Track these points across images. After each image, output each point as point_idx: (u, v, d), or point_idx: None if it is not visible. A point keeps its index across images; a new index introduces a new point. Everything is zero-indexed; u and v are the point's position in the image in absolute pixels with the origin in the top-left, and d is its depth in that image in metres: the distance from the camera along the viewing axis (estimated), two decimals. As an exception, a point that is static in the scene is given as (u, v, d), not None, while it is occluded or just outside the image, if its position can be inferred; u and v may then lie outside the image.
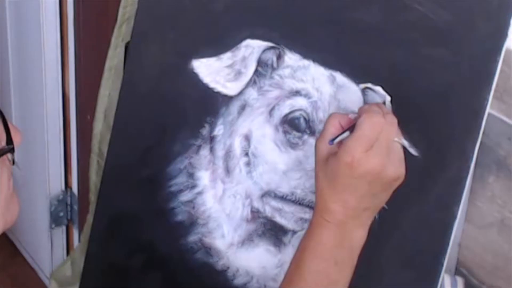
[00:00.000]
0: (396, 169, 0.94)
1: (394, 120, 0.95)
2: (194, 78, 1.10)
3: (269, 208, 1.09)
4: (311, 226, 0.97)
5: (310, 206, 1.07)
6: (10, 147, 0.87)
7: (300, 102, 1.06)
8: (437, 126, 1.01)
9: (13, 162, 0.88)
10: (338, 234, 0.95)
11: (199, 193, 1.12)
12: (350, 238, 0.96)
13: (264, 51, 1.07)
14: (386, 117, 0.94)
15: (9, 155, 0.87)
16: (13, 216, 0.91)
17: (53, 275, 1.56)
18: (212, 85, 1.09)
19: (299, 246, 0.99)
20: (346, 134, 0.95)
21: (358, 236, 0.96)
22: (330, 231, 0.95)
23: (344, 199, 0.94)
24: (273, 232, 1.10)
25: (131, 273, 1.19)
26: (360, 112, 0.96)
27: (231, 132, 1.09)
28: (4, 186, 0.88)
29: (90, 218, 1.35)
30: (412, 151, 1.02)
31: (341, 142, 0.95)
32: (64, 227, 2.24)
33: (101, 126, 1.34)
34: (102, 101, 1.32)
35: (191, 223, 1.13)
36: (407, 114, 1.02)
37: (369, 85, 1.03)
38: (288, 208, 1.08)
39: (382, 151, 0.93)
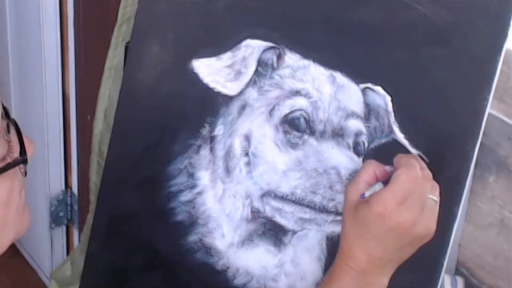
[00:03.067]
0: (427, 227, 0.93)
1: (429, 176, 0.94)
2: (194, 78, 1.10)
3: (269, 208, 1.09)
4: (333, 270, 0.96)
5: (310, 206, 1.07)
6: (23, 158, 0.86)
7: (300, 102, 1.06)
8: (437, 126, 1.01)
9: (25, 174, 0.88)
10: (360, 282, 0.94)
11: (199, 193, 1.12)
12: (371, 287, 0.95)
13: (264, 51, 1.07)
14: (422, 172, 0.93)
15: (21, 167, 0.87)
16: (24, 228, 0.91)
17: (53, 275, 1.56)
18: (212, 85, 1.09)
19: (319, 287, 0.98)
20: (379, 187, 0.94)
21: (380, 285, 0.95)
22: (352, 278, 0.94)
23: (370, 248, 0.93)
24: (273, 232, 1.10)
25: (131, 273, 1.19)
26: (397, 164, 0.95)
27: (231, 132, 1.09)
28: (16, 198, 0.87)
29: (90, 218, 1.35)
30: (412, 151, 1.02)
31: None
32: (64, 227, 2.24)
33: (101, 126, 1.34)
34: (102, 101, 1.32)
35: (191, 223, 1.13)
36: (407, 114, 1.02)
37: (369, 85, 1.03)
38: (288, 208, 1.08)
39: (415, 206, 0.92)
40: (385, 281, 0.96)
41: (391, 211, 0.91)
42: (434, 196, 0.94)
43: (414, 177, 0.92)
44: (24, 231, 0.91)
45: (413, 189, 0.92)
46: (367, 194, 0.94)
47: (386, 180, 0.94)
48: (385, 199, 0.91)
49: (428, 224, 0.93)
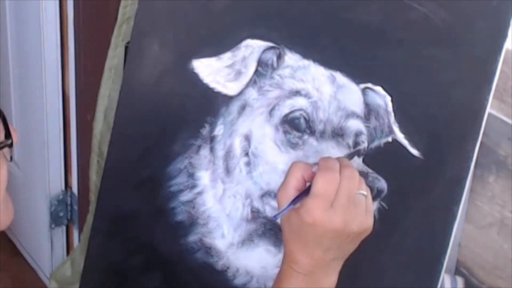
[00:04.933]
0: (361, 224, 0.93)
1: (353, 174, 0.92)
2: (194, 78, 1.10)
3: (269, 208, 1.09)
4: (280, 275, 0.97)
5: (310, 206, 1.07)
6: (9, 141, 0.86)
7: (300, 102, 1.06)
8: (437, 126, 1.02)
9: (11, 159, 0.87)
10: (307, 284, 0.95)
11: (199, 193, 1.12)
12: (320, 286, 0.95)
13: (264, 51, 1.07)
14: (345, 171, 0.92)
15: (6, 151, 0.86)
16: (10, 217, 0.90)
17: (53, 275, 1.56)
18: (212, 85, 1.09)
19: None
20: (289, 207, 0.92)
21: (327, 283, 0.96)
22: (299, 281, 0.95)
23: (310, 252, 0.93)
24: (273, 232, 1.10)
25: (131, 273, 1.19)
26: (318, 168, 0.93)
27: (231, 132, 1.09)
28: (3, 184, 0.87)
29: (90, 218, 1.35)
30: (412, 151, 1.02)
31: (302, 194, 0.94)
32: (64, 227, 2.24)
33: (101, 126, 1.34)
34: (102, 101, 1.32)
35: (191, 223, 1.13)
36: (407, 114, 1.02)
37: (369, 85, 1.03)
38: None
39: (343, 207, 0.91)
40: (334, 278, 0.96)
41: (320, 219, 0.91)
42: (362, 191, 0.93)
43: (331, 179, 0.91)
44: (10, 220, 0.90)
45: (334, 191, 0.91)
46: (277, 218, 0.93)
47: (308, 190, 0.92)
48: (311, 208, 0.91)
49: (361, 221, 0.93)
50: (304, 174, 0.94)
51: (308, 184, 0.93)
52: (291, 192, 0.94)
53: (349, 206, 0.91)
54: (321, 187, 0.91)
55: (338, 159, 0.94)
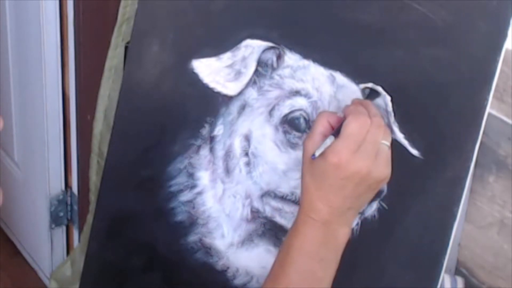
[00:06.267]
0: (382, 172, 0.95)
1: (380, 122, 0.96)
2: (194, 78, 1.10)
3: (269, 208, 1.09)
4: (296, 224, 0.98)
5: (310, 206, 1.07)
6: None
7: (300, 102, 1.06)
8: (437, 126, 1.02)
9: None
10: (324, 232, 0.96)
11: (199, 193, 1.12)
12: (335, 236, 0.97)
13: (264, 51, 1.07)
14: (373, 120, 0.95)
15: None
16: None
17: (53, 275, 1.56)
18: (212, 85, 1.09)
19: (283, 245, 1.00)
20: (330, 141, 0.95)
21: (342, 233, 0.97)
22: (316, 229, 0.96)
23: (329, 198, 0.95)
24: (273, 232, 1.10)
25: (131, 273, 1.19)
26: (345, 112, 0.96)
27: (231, 132, 1.09)
28: None
29: (90, 218, 1.35)
30: (412, 151, 1.02)
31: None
32: (64, 227, 2.24)
33: (101, 126, 1.34)
34: (102, 101, 1.33)
35: (191, 223, 1.13)
36: (407, 114, 1.02)
37: (369, 85, 1.03)
38: (288, 208, 1.08)
39: (369, 153, 0.94)
40: (347, 230, 0.98)
41: (346, 161, 0.93)
42: (386, 141, 0.96)
43: (363, 123, 0.94)
44: None
45: (364, 136, 0.94)
46: (317, 153, 0.95)
47: (337, 130, 0.95)
48: (339, 150, 0.93)
49: (383, 169, 0.95)
50: (330, 120, 0.97)
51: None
52: (317, 138, 0.97)
53: (374, 153, 0.94)
54: (353, 129, 0.93)
55: (365, 104, 0.97)
